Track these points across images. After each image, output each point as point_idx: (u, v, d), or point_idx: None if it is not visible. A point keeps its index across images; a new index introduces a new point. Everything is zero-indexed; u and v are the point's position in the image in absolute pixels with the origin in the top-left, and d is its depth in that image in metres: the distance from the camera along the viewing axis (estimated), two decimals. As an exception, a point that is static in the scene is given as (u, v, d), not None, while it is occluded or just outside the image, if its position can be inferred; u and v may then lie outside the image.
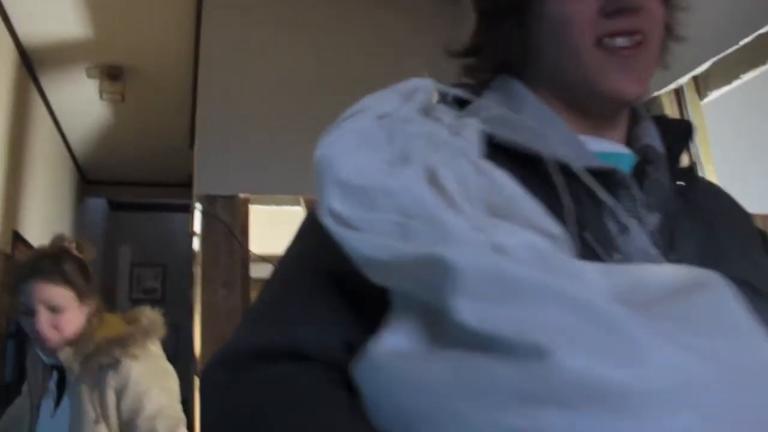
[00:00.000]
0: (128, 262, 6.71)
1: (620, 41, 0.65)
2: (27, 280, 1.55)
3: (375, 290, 0.56)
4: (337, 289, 0.60)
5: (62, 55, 3.51)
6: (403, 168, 0.57)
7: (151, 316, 1.62)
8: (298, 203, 2.60)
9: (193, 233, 4.50)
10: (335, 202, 0.56)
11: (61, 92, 3.87)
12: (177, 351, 6.79)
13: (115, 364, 1.50)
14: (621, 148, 0.70)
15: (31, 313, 1.53)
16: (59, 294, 1.54)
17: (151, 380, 1.51)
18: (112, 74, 3.57)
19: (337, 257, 0.56)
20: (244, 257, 2.25)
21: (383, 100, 0.65)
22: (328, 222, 0.56)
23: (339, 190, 0.57)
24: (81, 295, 1.57)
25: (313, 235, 0.62)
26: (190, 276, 5.02)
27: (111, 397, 1.48)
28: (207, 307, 2.31)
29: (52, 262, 1.58)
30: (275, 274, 0.68)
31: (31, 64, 3.51)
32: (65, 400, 1.55)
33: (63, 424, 1.52)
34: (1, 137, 3.13)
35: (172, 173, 5.10)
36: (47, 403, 1.60)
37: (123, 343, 1.52)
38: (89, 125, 4.38)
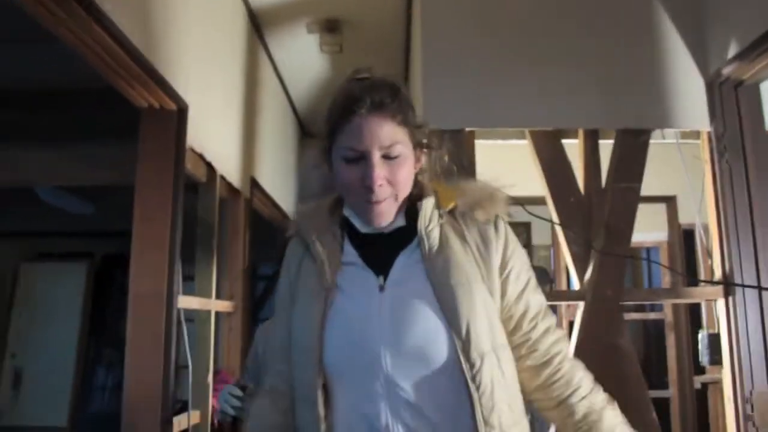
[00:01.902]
0: (344, 211, 7.08)
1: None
2: None
3: None
4: None
5: (285, 13, 3.71)
6: None
7: None
8: (523, 136, 2.54)
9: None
10: None
11: (284, 49, 4.11)
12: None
13: None
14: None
15: None
16: None
17: None
18: (330, 27, 3.72)
19: None
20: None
21: None
22: None
23: None
24: None
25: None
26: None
27: None
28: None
29: None
30: None
31: (258, 24, 3.76)
32: None
33: None
34: (239, 94, 3.41)
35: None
36: None
37: None
38: (309, 80, 4.62)
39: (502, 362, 1.16)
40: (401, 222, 1.25)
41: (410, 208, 1.26)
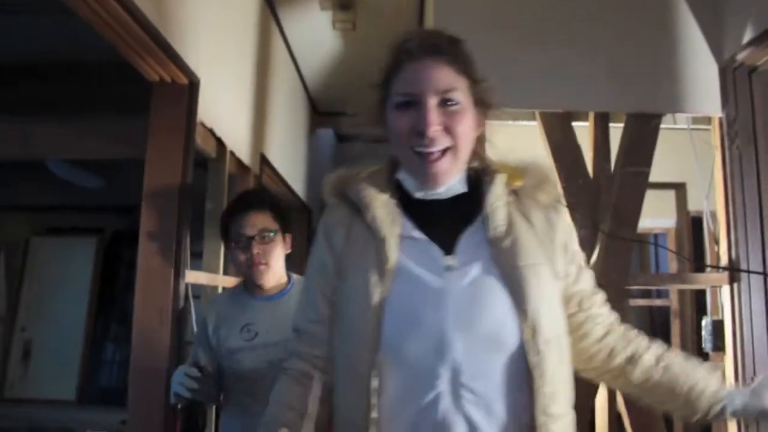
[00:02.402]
0: (353, 191, 7.09)
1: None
2: None
3: None
4: None
5: (298, -10, 3.70)
6: None
7: None
8: (533, 118, 2.54)
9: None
10: None
11: (297, 26, 4.09)
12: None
13: None
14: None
15: None
16: None
17: None
18: (343, 4, 3.70)
19: None
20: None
21: None
22: None
23: None
24: None
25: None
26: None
27: None
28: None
29: None
30: None
31: (272, 0, 3.75)
32: None
33: None
34: (251, 70, 3.41)
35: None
36: None
37: None
38: (321, 58, 4.61)
39: (563, 351, 1.11)
40: (461, 188, 1.17)
41: (471, 177, 1.18)
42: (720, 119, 2.41)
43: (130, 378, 2.22)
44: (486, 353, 1.05)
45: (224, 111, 2.89)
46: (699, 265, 3.75)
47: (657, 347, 1.23)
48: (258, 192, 2.08)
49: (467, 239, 1.12)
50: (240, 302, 1.94)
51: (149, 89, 2.36)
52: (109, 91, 3.42)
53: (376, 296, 1.06)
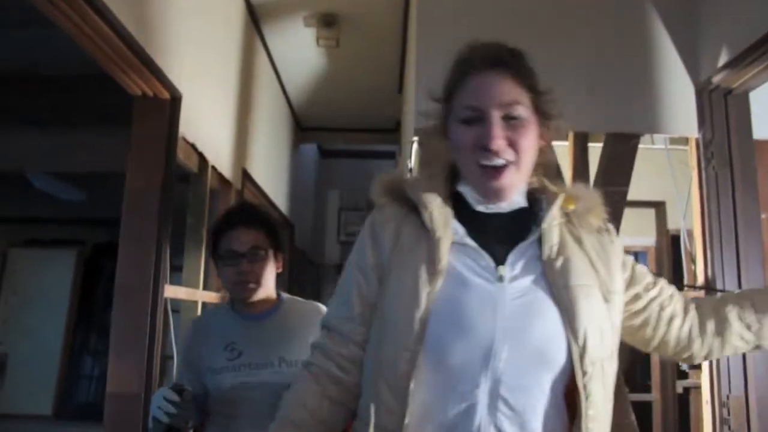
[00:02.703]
0: (336, 207, 7.12)
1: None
2: None
3: None
4: None
5: (282, 6, 3.72)
6: None
7: None
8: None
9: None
10: None
11: (281, 42, 4.12)
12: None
13: None
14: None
15: None
16: None
17: None
18: (327, 21, 3.73)
19: None
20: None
21: None
22: None
23: None
24: None
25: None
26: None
27: None
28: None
29: None
30: None
31: (255, 16, 3.77)
32: None
33: None
34: (234, 86, 3.42)
35: (380, 119, 5.28)
36: None
37: None
38: (305, 74, 4.64)
39: (607, 374, 1.09)
40: (522, 202, 1.16)
41: (529, 194, 1.18)
42: (696, 140, 2.44)
43: (107, 393, 2.20)
44: (530, 367, 1.04)
45: (206, 126, 2.89)
46: (677, 285, 3.78)
47: (721, 300, 1.30)
48: (250, 207, 2.00)
49: (519, 253, 1.10)
50: (225, 320, 1.86)
51: (131, 102, 2.36)
52: (91, 103, 3.41)
53: (424, 295, 1.04)
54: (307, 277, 6.14)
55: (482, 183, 1.12)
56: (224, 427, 1.75)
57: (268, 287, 1.84)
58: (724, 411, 2.23)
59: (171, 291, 2.42)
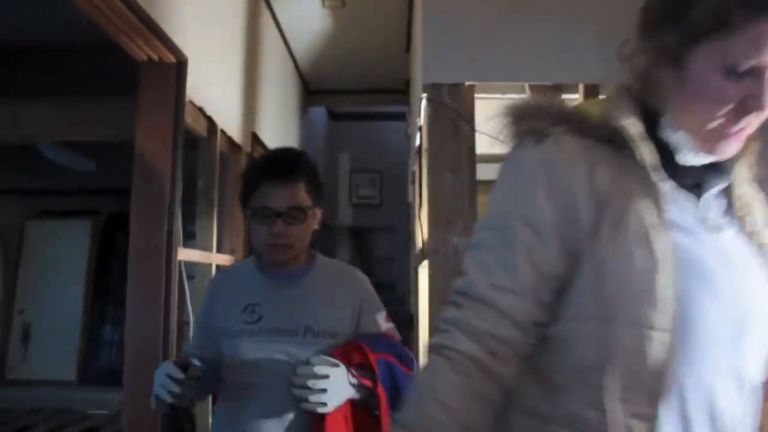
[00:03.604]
0: (347, 169, 7.11)
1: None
2: None
3: None
4: None
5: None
6: None
7: None
8: (523, 91, 2.53)
9: (408, 137, 4.63)
10: None
11: (286, 4, 4.07)
12: (392, 250, 7.13)
13: None
14: None
15: None
16: None
17: None
18: (332, -19, 3.68)
19: None
20: (471, 142, 2.26)
21: None
22: None
23: None
24: None
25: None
26: (405, 182, 5.21)
27: None
28: (434, 192, 2.39)
29: None
30: None
31: (260, -23, 3.72)
32: None
33: None
34: (241, 49, 3.39)
35: (388, 79, 5.23)
36: None
37: None
38: (312, 36, 4.59)
39: None
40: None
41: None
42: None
43: (125, 359, 2.24)
44: (738, 339, 0.85)
45: (214, 90, 2.88)
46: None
47: None
48: (291, 155, 1.64)
49: (713, 203, 0.92)
50: (247, 279, 1.60)
51: (138, 71, 2.36)
52: (100, 73, 3.40)
53: (669, 262, 0.82)
54: (320, 240, 6.18)
55: (716, 144, 0.89)
56: (237, 399, 1.54)
57: (302, 247, 1.59)
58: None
59: (185, 254, 2.44)
